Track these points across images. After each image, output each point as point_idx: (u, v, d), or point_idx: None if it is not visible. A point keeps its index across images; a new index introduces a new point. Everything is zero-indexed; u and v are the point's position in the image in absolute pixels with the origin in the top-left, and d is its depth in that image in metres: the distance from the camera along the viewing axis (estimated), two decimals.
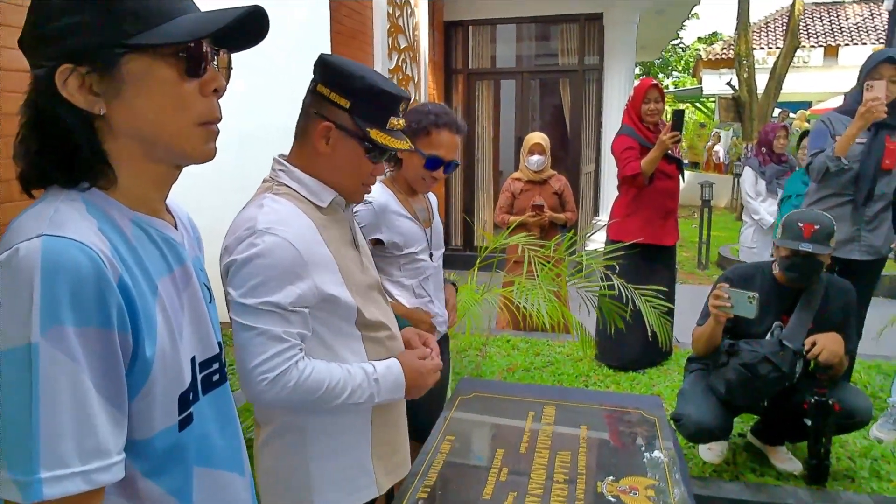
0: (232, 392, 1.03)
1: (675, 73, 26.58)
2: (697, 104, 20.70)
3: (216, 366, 0.97)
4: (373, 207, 2.00)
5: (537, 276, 3.36)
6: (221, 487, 0.95)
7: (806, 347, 2.49)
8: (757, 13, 22.41)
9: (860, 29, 16.63)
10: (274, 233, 1.23)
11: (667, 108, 4.46)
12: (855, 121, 2.95)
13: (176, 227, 0.93)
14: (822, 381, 2.51)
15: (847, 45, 16.04)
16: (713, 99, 17.37)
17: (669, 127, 3.58)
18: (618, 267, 3.52)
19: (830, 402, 2.50)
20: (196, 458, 0.90)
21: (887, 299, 5.93)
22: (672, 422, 2.63)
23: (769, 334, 2.62)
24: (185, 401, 0.87)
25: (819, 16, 17.38)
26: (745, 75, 10.37)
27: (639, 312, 3.47)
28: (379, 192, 2.04)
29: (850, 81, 3.33)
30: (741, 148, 12.17)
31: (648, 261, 3.86)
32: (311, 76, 1.38)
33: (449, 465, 1.75)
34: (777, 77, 10.28)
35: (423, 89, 6.00)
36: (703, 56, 17.50)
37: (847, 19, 17.09)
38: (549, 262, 3.53)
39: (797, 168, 4.28)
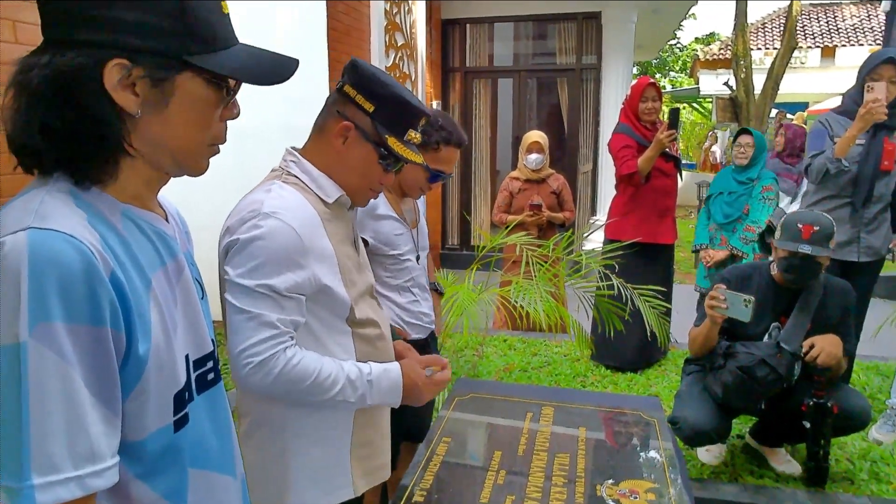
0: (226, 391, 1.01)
1: (672, 73, 26.60)
2: (694, 104, 20.72)
3: (210, 364, 0.94)
4: None
5: (535, 275, 3.34)
6: (215, 490, 0.93)
7: (804, 349, 2.47)
8: (754, 14, 22.49)
9: (857, 30, 16.65)
10: (279, 217, 1.23)
11: (663, 107, 4.44)
12: (855, 122, 2.93)
13: (167, 221, 0.91)
14: (820, 383, 2.50)
15: (844, 45, 16.04)
16: (710, 99, 17.38)
17: (666, 125, 3.57)
18: (616, 266, 3.51)
19: (829, 404, 2.49)
20: (191, 459, 0.88)
21: (883, 300, 5.93)
22: (669, 425, 2.61)
23: (766, 336, 2.60)
24: (181, 400, 0.85)
25: (816, 16, 17.39)
26: (743, 75, 10.36)
27: (636, 312, 3.46)
28: None
29: (847, 82, 3.31)
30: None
31: (646, 260, 3.85)
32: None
33: (445, 466, 1.73)
34: (774, 77, 10.27)
35: (421, 87, 5.98)
36: (701, 56, 17.48)
37: (844, 20, 17.11)
38: (546, 262, 3.51)
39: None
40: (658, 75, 25.59)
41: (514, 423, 2.02)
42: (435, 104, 7.53)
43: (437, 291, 2.64)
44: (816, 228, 2.45)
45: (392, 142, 1.34)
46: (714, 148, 18.29)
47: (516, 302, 3.29)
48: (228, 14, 0.85)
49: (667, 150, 3.71)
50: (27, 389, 0.67)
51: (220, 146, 0.90)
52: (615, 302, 3.40)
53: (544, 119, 8.70)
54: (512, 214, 4.37)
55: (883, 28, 4.97)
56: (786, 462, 2.79)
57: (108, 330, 0.72)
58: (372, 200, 1.65)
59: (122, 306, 0.74)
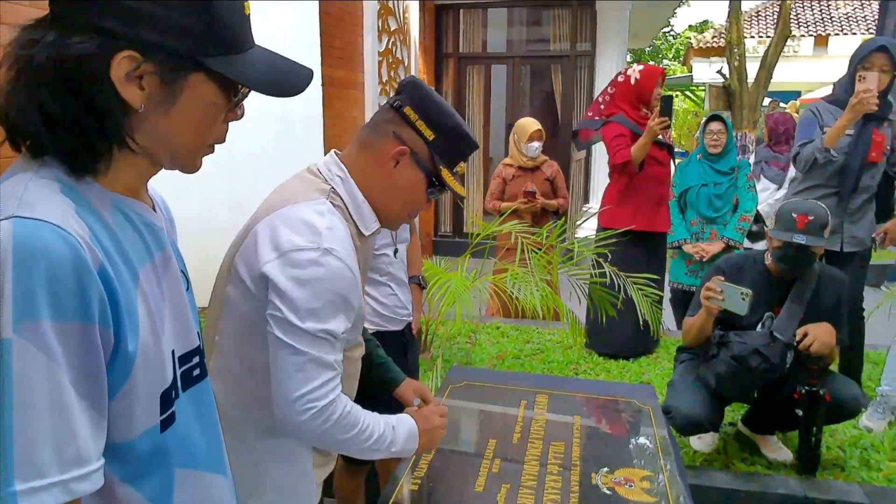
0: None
1: (665, 61, 26.58)
2: (687, 93, 20.70)
3: (196, 360, 0.90)
4: None
5: (530, 263, 3.34)
6: (204, 489, 0.90)
7: (797, 338, 2.48)
8: (748, 2, 22.42)
9: (850, 19, 16.66)
10: (338, 256, 1.16)
11: None
12: (845, 113, 2.92)
13: (154, 210, 0.88)
14: (812, 372, 2.51)
15: (837, 35, 16.07)
16: (703, 87, 17.37)
17: (658, 113, 3.55)
18: (609, 255, 3.50)
19: (821, 392, 2.50)
20: (178, 459, 0.84)
21: (871, 287, 5.97)
22: (662, 413, 2.62)
23: (760, 325, 2.61)
24: (168, 399, 0.81)
25: (809, 5, 17.38)
26: (736, 64, 10.36)
27: (629, 300, 3.46)
28: None
29: (839, 71, 3.30)
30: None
31: (640, 248, 3.84)
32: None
33: (440, 455, 1.72)
34: (767, 66, 10.27)
35: (414, 73, 5.93)
36: (694, 44, 17.46)
37: (837, 9, 17.11)
38: (540, 250, 3.50)
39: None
40: (651, 63, 25.56)
41: (509, 410, 2.02)
42: None
43: (418, 285, 2.62)
44: (811, 218, 2.45)
45: (444, 172, 1.29)
46: None
47: (511, 291, 3.28)
48: (249, 15, 0.82)
49: (660, 137, 3.69)
50: (11, 390, 0.63)
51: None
52: (608, 290, 3.39)
53: (538, 106, 8.68)
54: (505, 202, 4.35)
55: (876, 17, 4.96)
56: (777, 449, 2.81)
57: (96, 327, 0.68)
58: None
59: (110, 302, 0.70)
